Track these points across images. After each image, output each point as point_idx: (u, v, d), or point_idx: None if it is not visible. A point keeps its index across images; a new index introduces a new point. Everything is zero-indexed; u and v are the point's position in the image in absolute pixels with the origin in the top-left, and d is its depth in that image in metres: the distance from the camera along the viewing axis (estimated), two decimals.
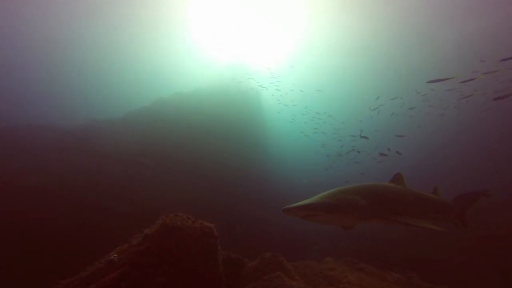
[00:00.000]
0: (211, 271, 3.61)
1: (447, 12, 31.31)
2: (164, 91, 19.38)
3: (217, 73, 21.89)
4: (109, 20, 40.71)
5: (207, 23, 38.33)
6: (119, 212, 7.10)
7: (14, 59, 46.66)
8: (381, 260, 6.88)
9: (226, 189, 9.48)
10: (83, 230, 6.43)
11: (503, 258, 6.91)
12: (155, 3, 36.12)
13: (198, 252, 3.55)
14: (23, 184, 7.45)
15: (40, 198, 7.15)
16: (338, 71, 40.17)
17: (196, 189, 8.77)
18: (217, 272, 3.70)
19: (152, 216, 4.01)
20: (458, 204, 4.94)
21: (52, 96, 48.07)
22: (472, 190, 5.05)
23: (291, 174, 17.05)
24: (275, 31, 37.41)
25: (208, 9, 35.74)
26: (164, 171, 8.90)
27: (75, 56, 47.53)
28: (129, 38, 44.48)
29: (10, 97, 44.64)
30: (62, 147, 9.26)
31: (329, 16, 33.81)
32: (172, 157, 9.51)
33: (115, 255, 2.72)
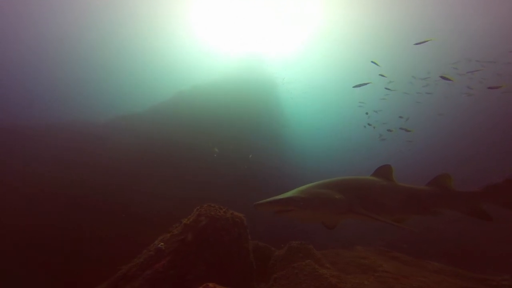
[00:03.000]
0: (243, 260, 3.84)
1: (459, 7, 29.75)
2: (178, 86, 19.61)
3: (232, 65, 21.91)
4: (117, 17, 41.16)
5: (216, 15, 37.99)
6: (143, 211, 7.23)
7: (29, 58, 47.62)
8: (414, 250, 6.69)
9: (249, 182, 9.72)
10: (111, 231, 6.47)
11: None
12: None
13: (231, 240, 3.73)
14: (49, 189, 7.44)
15: (67, 201, 7.21)
16: (350, 63, 39.19)
17: (220, 180, 9.09)
18: (249, 260, 3.92)
19: (177, 213, 4.23)
20: (485, 195, 4.30)
21: (66, 94, 49.42)
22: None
23: (312, 166, 17.12)
24: (286, 21, 36.64)
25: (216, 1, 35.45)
26: (189, 166, 9.27)
27: (83, 54, 48.50)
28: (137, 34, 44.74)
29: (27, 97, 45.52)
30: (86, 147, 9.67)
31: (342, 8, 32.88)
32: (197, 151, 9.84)
33: (162, 243, 2.99)
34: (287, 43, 39.95)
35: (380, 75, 10.65)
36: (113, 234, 6.08)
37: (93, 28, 43.96)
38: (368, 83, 9.44)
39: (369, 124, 14.31)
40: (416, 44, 9.03)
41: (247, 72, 18.80)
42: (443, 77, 8.40)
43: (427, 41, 8.68)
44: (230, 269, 3.62)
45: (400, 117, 14.50)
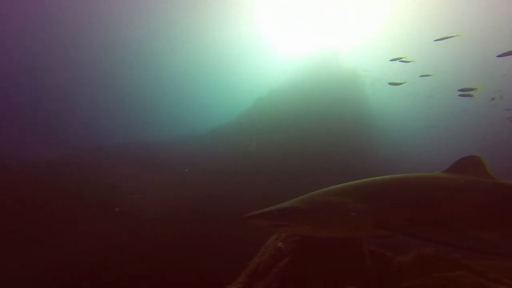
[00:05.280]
0: (360, 263, 3.60)
1: None
2: (255, 92, 20.48)
3: (305, 63, 21.50)
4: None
5: (281, 16, 38.17)
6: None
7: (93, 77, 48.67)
8: None
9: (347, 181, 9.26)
10: (226, 231, 7.07)
11: None
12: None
13: (343, 243, 3.59)
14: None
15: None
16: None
17: (318, 181, 8.99)
18: (366, 265, 3.65)
19: None
20: None
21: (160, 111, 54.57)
22: None
23: (411, 159, 14.99)
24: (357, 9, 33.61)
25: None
26: (287, 169, 9.67)
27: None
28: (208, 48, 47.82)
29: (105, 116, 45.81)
30: (198, 158, 11.61)
31: None
32: (293, 153, 10.17)
33: (281, 243, 3.11)
34: (361, 31, 36.64)
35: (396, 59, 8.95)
36: (227, 234, 6.86)
37: (171, 53, 49.27)
38: (403, 83, 9.04)
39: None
40: (436, 40, 8.55)
41: (322, 68, 18.04)
42: None
43: (450, 37, 8.22)
44: (348, 272, 3.47)
45: None
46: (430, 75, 9.80)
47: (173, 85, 54.86)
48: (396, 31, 36.17)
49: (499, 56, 7.63)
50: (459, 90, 8.91)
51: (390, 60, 8.95)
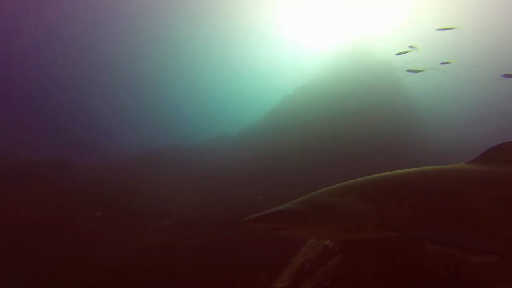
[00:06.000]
0: (422, 261, 3.18)
1: None
2: (281, 91, 20.08)
3: (332, 59, 20.68)
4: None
5: (303, 12, 37.36)
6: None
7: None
8: None
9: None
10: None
11: None
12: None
13: (400, 240, 3.15)
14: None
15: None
16: None
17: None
18: (430, 263, 3.21)
19: None
20: None
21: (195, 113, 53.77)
22: None
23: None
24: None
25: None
26: (318, 165, 9.52)
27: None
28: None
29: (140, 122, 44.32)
30: (232, 157, 12.00)
31: None
32: (324, 150, 9.94)
33: (327, 241, 2.88)
34: (397, 19, 34.13)
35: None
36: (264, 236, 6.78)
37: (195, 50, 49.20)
38: (423, 70, 9.07)
39: None
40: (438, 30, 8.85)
41: (351, 61, 17.11)
42: None
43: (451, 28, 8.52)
44: (410, 272, 3.05)
45: None
46: (450, 62, 9.84)
47: (197, 87, 54.81)
48: (445, 12, 32.62)
49: None
50: (503, 76, 8.57)
51: (396, 54, 8.92)
